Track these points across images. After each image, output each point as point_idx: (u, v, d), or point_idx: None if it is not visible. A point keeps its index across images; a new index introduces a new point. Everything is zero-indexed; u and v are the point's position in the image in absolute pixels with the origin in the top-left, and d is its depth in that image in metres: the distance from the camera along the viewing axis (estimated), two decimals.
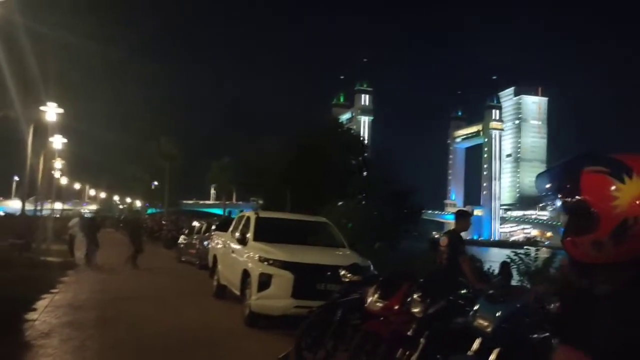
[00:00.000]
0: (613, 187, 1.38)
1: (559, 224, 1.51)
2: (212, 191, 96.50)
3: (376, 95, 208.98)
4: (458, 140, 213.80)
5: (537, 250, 10.24)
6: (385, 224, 23.85)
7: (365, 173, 29.43)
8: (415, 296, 5.07)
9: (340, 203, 25.23)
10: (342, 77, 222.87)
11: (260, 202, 28.24)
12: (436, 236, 8.43)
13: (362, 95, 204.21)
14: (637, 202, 1.36)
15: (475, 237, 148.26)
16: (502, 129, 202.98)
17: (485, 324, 4.18)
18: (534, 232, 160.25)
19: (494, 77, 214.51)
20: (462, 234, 7.22)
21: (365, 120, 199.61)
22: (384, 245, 22.28)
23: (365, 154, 32.52)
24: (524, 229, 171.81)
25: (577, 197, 1.42)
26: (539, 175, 1.59)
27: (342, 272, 6.60)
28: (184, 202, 79.42)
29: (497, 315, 4.11)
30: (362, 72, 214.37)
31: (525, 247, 12.02)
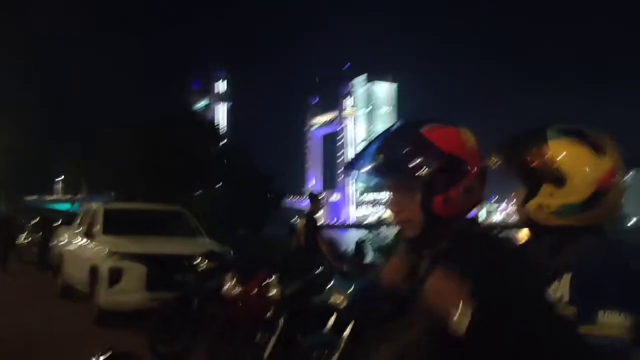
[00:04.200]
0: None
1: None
2: (60, 185, 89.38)
3: (233, 82, 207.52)
4: (315, 127, 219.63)
5: (388, 227, 10.76)
6: (247, 211, 23.85)
7: (224, 161, 29.09)
8: (271, 279, 5.05)
9: (199, 192, 24.71)
10: (197, 63, 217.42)
11: (113, 194, 26.66)
12: (296, 222, 8.60)
13: (219, 82, 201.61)
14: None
15: (332, 222, 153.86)
16: (356, 116, 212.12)
17: (340, 299, 4.27)
18: (387, 214, 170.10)
19: (347, 65, 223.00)
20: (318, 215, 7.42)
21: (223, 107, 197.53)
22: (246, 232, 22.29)
23: (224, 142, 32.10)
24: (377, 211, 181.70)
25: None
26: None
27: (198, 260, 6.41)
28: (26, 198, 72.52)
29: (350, 290, 4.22)
30: (218, 58, 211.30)
31: (381, 226, 12.60)
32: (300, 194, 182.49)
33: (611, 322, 1.41)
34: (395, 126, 1.53)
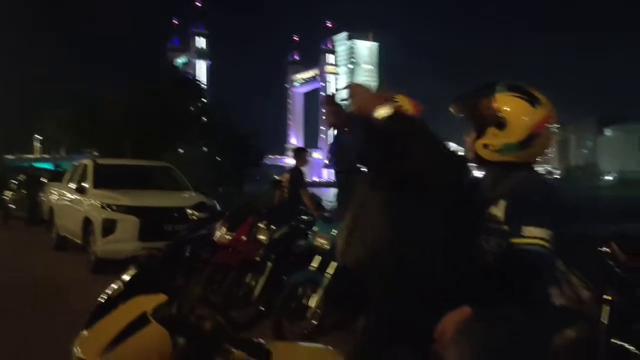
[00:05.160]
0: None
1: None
2: (36, 144, 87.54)
3: (213, 39, 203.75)
4: (296, 84, 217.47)
5: None
6: (228, 169, 24.11)
7: (205, 119, 29.04)
8: (260, 225, 5.48)
9: (180, 150, 24.84)
10: (175, 20, 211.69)
11: (95, 153, 26.58)
12: (277, 178, 8.84)
13: (197, 38, 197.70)
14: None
15: (314, 179, 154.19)
16: (337, 73, 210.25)
17: (324, 241, 4.70)
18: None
19: (327, 22, 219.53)
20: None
21: (202, 64, 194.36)
22: (227, 189, 22.63)
23: (204, 99, 31.94)
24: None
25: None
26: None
27: (190, 211, 6.80)
28: (5, 157, 71.39)
29: (333, 232, 4.63)
30: (196, 15, 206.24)
31: None
32: (282, 151, 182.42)
33: (532, 234, 1.88)
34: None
